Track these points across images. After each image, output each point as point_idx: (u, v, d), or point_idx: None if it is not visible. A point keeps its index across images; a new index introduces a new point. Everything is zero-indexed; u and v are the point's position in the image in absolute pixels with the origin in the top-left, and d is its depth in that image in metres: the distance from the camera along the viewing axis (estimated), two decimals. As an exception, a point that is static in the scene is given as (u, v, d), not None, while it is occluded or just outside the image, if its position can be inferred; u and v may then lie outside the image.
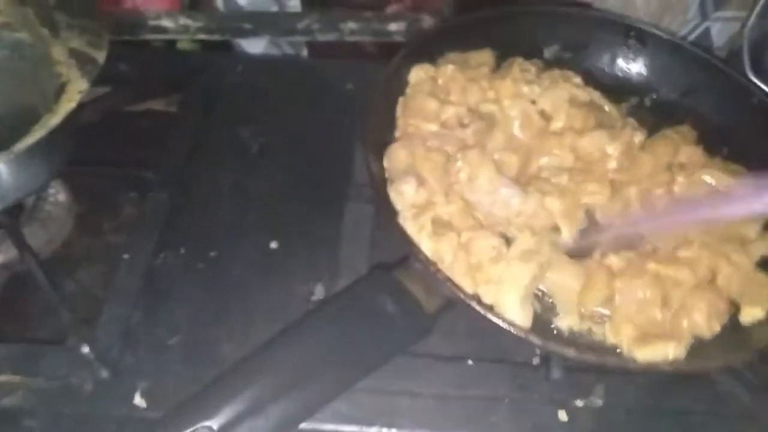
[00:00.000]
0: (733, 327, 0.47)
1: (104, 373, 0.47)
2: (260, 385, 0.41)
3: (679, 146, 0.53)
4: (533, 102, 0.56)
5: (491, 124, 0.53)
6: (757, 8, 0.69)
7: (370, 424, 0.47)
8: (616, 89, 0.62)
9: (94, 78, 0.49)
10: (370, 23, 0.76)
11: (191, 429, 0.39)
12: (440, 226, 0.47)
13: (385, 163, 0.52)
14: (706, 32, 0.78)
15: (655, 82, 0.64)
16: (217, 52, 0.78)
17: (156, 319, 0.51)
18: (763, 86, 0.62)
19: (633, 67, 0.65)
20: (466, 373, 0.49)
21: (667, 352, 0.44)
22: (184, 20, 0.76)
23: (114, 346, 0.49)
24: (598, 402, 0.49)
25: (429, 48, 0.59)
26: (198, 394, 0.41)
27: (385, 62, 0.77)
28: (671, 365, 0.43)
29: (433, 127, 0.53)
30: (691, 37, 0.77)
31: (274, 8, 0.77)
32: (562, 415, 0.48)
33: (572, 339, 0.47)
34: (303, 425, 0.46)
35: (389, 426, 0.47)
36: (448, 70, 0.56)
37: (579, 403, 0.49)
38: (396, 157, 0.51)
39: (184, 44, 0.79)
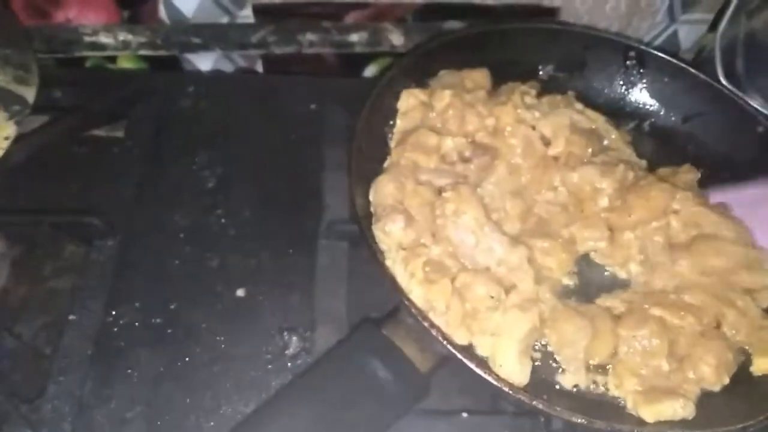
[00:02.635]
0: (742, 377, 0.45)
1: None
2: None
3: (675, 193, 0.51)
4: (533, 128, 0.53)
5: (494, 156, 0.50)
6: (728, 14, 0.68)
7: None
8: (614, 112, 0.59)
9: (24, 119, 0.43)
10: (330, 34, 0.71)
11: None
12: (433, 271, 0.44)
13: (371, 197, 0.48)
14: (674, 35, 0.77)
15: (654, 106, 0.61)
16: (164, 69, 0.71)
17: (111, 390, 0.46)
18: (736, 90, 0.61)
19: (631, 89, 0.62)
20: (461, 428, 0.46)
21: (675, 410, 0.41)
22: (124, 35, 0.69)
23: (63, 427, 0.43)
24: (602, 450, 0.46)
25: (417, 70, 0.55)
26: None
27: (347, 75, 0.74)
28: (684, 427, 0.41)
29: (433, 162, 0.49)
30: (659, 40, 0.76)
31: (224, 19, 0.71)
32: (565, 466, 0.46)
33: (577, 396, 0.44)
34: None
35: (386, 492, 0.43)
36: (444, 96, 0.52)
37: (582, 452, 0.46)
38: (383, 191, 0.47)
39: (125, 62, 0.72)
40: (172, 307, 0.51)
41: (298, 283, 0.52)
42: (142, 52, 0.70)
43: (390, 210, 0.45)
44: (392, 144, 0.51)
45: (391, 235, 0.45)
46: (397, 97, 0.54)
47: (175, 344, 0.49)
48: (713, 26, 0.73)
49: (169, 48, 0.70)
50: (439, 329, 0.40)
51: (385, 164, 0.50)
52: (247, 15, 0.71)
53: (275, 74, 0.73)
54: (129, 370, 0.47)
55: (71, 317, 0.49)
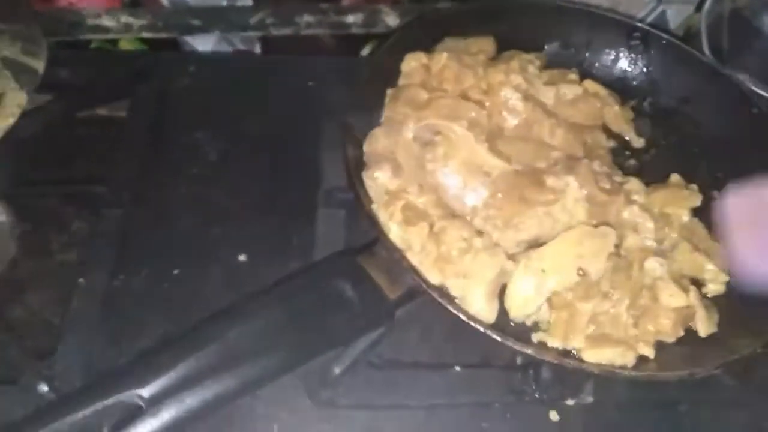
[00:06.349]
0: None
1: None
2: (199, 359, 0.39)
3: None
4: (526, 96, 0.55)
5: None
6: (713, -8, 0.70)
7: (360, 442, 0.45)
8: (616, 90, 0.61)
9: (34, 89, 0.45)
10: (327, 16, 0.73)
11: (120, 394, 0.37)
12: (413, 215, 0.46)
13: (365, 148, 0.50)
14: (662, 15, 0.78)
15: (655, 86, 0.63)
16: (165, 51, 0.73)
17: (119, 348, 0.48)
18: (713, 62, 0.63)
19: (634, 68, 0.63)
20: (453, 381, 0.48)
21: (615, 357, 0.43)
22: (126, 18, 0.71)
23: (74, 381, 0.45)
24: (589, 399, 0.48)
25: (423, 35, 0.57)
26: (132, 361, 0.40)
27: (344, 56, 0.76)
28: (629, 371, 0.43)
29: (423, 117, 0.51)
30: (648, 20, 0.77)
31: (224, 2, 0.73)
32: (554, 416, 0.48)
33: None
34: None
35: (379, 442, 0.45)
36: (442, 58, 0.55)
37: (570, 401, 0.48)
38: (376, 142, 0.49)
39: (126, 44, 0.74)
40: (176, 272, 0.52)
41: (297, 248, 0.54)
42: (144, 35, 0.72)
43: (379, 158, 0.47)
44: (387, 100, 0.53)
45: (377, 180, 0.47)
46: (401, 61, 0.56)
47: (180, 306, 0.50)
48: (700, 6, 0.75)
49: (169, 30, 0.72)
50: (407, 260, 0.43)
51: (381, 119, 0.52)
52: (245, -3, 0.73)
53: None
54: (136, 331, 0.49)
55: (80, 280, 0.50)
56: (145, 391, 0.37)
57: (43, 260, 0.55)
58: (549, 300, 0.45)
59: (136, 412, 0.37)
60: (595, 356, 0.43)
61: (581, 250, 0.45)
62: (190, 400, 0.37)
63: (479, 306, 0.44)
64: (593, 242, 0.45)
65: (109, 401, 0.36)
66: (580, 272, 0.44)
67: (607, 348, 0.43)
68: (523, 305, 0.45)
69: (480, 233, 0.46)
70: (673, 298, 0.46)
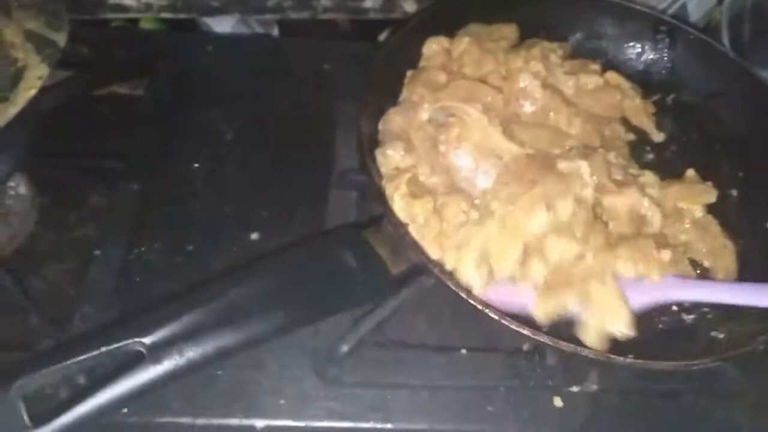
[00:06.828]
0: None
1: (81, 379, 0.44)
2: (201, 313, 0.40)
3: None
4: (545, 84, 0.55)
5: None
6: (736, -16, 0.69)
7: (365, 419, 0.46)
8: (639, 84, 0.60)
9: (55, 62, 0.45)
10: (345, 0, 0.73)
11: (122, 342, 0.38)
12: (419, 190, 0.46)
13: (380, 126, 0.50)
14: (683, 7, 0.77)
15: (679, 81, 0.62)
16: (183, 31, 0.74)
17: (133, 319, 0.49)
18: (740, 60, 0.62)
19: (659, 63, 0.62)
20: (459, 363, 0.49)
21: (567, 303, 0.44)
22: (146, -3, 0.71)
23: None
24: (593, 387, 0.48)
25: (446, 19, 0.57)
26: (135, 311, 0.41)
27: (361, 41, 0.76)
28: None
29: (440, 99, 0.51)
30: (669, 12, 0.77)
31: (243, -16, 0.73)
32: (558, 402, 0.48)
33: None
34: (296, 424, 0.45)
35: (384, 421, 0.46)
36: (463, 42, 0.55)
37: (574, 388, 0.48)
38: (391, 121, 0.50)
39: (146, 23, 0.75)
40: (190, 248, 0.53)
41: (309, 229, 0.54)
42: (163, 15, 0.73)
43: (393, 137, 0.48)
44: (406, 81, 0.54)
45: (389, 158, 0.47)
46: (422, 44, 0.56)
47: (192, 280, 0.50)
48: (722, -1, 0.74)
49: (189, 11, 0.72)
50: (411, 236, 0.44)
51: (399, 99, 0.53)
52: (264, -20, 0.73)
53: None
54: (149, 302, 0.49)
55: (96, 253, 0.51)
56: (147, 339, 0.38)
57: (61, 233, 0.56)
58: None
59: (138, 358, 0.38)
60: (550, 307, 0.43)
61: (546, 189, 0.45)
62: (191, 352, 0.38)
63: (470, 275, 0.44)
64: (557, 182, 0.46)
65: (113, 346, 0.38)
66: (551, 213, 0.45)
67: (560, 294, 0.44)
68: (503, 258, 0.44)
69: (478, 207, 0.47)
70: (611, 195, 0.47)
